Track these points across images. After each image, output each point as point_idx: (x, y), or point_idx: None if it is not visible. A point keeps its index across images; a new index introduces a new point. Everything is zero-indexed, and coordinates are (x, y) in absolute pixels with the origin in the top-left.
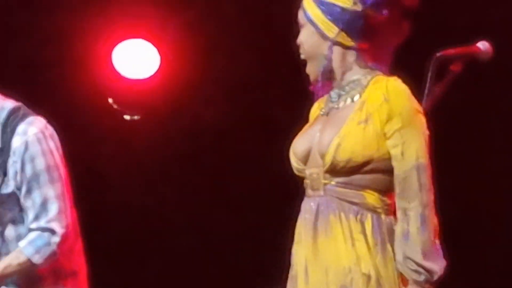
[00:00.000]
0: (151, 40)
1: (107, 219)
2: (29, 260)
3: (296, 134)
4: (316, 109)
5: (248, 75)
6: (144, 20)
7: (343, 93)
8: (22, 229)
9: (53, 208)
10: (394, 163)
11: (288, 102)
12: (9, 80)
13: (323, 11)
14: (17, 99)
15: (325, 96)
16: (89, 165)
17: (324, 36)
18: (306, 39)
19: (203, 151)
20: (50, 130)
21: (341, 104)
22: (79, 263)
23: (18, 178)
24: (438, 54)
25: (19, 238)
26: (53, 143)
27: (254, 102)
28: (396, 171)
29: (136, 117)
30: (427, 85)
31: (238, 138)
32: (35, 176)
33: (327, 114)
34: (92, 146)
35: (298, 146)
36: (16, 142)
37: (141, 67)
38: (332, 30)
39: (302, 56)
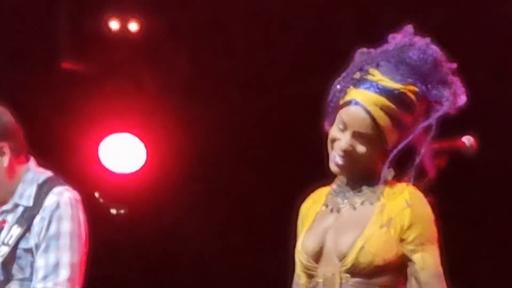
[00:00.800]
0: (137, 134)
1: None
2: None
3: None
4: (312, 204)
5: (234, 171)
6: (130, 115)
7: (358, 194)
8: None
9: (64, 274)
10: (417, 269)
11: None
12: None
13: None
14: None
15: (321, 191)
16: None
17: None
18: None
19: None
20: (80, 202)
21: (358, 204)
22: None
23: (41, 235)
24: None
25: None
26: (82, 216)
27: (239, 197)
28: (419, 277)
29: (122, 211)
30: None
31: (225, 232)
32: (57, 236)
33: (337, 211)
34: None
35: (309, 243)
36: (50, 200)
37: (128, 161)
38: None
39: (341, 161)
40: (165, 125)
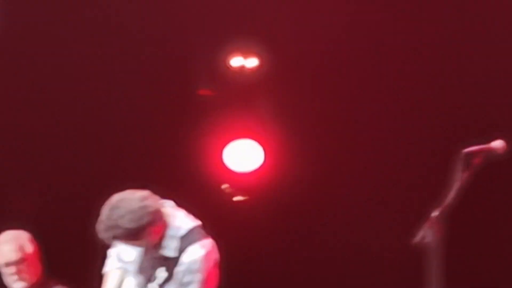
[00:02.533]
0: (256, 139)
1: None
2: None
3: None
4: None
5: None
6: (250, 122)
7: None
8: None
9: None
10: None
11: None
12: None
13: None
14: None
15: None
16: None
17: None
18: None
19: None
20: (213, 253)
21: None
22: None
23: (178, 282)
24: (464, 151)
25: None
26: (212, 264)
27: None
28: None
29: (243, 199)
30: (457, 174)
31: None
32: (189, 284)
33: None
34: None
35: None
36: (186, 257)
37: (247, 162)
38: None
39: None
40: (282, 131)
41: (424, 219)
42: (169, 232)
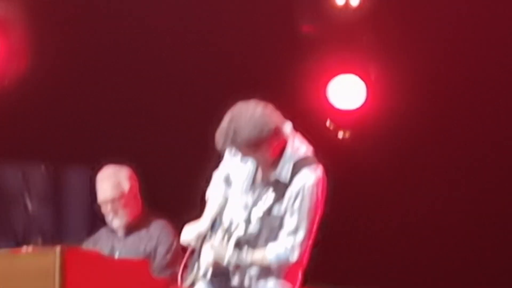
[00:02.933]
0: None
1: None
2: (268, 261)
3: None
4: None
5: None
6: (354, 57)
7: None
8: (265, 243)
9: (300, 237)
10: None
11: None
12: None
13: None
14: None
15: None
16: None
17: None
18: None
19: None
20: (324, 181)
21: None
22: (295, 279)
23: (289, 206)
24: None
25: (259, 246)
26: (321, 191)
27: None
28: None
29: (346, 135)
30: None
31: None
32: (299, 210)
33: None
34: None
35: None
36: (297, 180)
37: (352, 99)
38: None
39: None
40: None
41: None
42: (285, 154)
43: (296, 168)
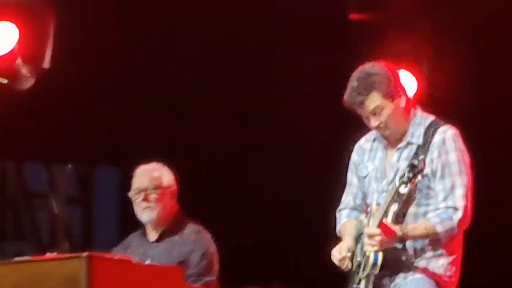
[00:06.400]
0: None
1: None
2: (433, 227)
3: None
4: None
5: None
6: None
7: None
8: (420, 209)
9: (459, 193)
10: None
11: None
12: None
13: None
14: None
15: None
16: None
17: None
18: None
19: None
20: (461, 138)
21: None
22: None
23: (434, 165)
24: None
25: (416, 216)
26: (464, 146)
27: None
28: None
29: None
30: None
31: None
32: (448, 166)
33: None
34: None
35: None
36: (436, 138)
37: None
38: None
39: None
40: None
41: None
42: (416, 119)
43: (429, 130)
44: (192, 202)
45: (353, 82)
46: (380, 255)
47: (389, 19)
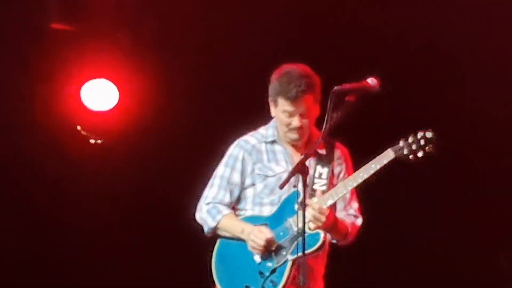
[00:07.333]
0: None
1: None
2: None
3: None
4: None
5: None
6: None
7: None
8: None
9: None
10: None
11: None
12: None
13: None
14: None
15: None
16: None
17: None
18: None
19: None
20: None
21: None
22: None
23: None
24: (335, 88)
25: None
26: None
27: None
28: None
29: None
30: (327, 113)
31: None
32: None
33: None
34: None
35: None
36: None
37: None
38: None
39: None
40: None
41: None
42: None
43: None
44: None
45: (293, 77)
46: (322, 233)
47: (91, 30)
